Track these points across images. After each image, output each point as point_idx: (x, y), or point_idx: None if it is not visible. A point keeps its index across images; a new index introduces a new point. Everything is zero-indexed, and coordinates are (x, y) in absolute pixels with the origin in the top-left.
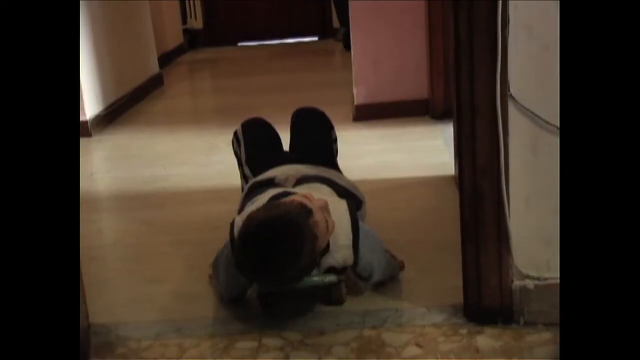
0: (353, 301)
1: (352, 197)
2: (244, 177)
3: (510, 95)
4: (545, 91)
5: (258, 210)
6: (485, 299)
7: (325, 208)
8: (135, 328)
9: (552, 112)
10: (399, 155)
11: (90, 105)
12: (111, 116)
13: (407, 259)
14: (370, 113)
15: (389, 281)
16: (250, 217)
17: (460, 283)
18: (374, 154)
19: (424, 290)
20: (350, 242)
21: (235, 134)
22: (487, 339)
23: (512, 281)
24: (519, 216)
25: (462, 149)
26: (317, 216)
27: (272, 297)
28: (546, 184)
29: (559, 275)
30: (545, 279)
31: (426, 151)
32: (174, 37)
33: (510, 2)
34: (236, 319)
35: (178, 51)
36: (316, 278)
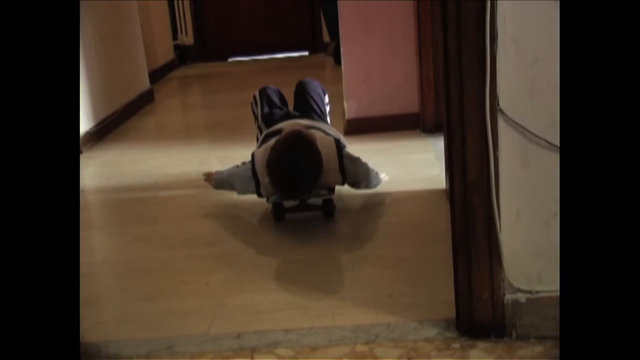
0: (344, 316)
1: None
2: (259, 130)
3: (500, 109)
4: (534, 104)
5: (280, 141)
6: (478, 313)
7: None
8: (127, 346)
9: (541, 125)
10: (390, 169)
11: (80, 122)
12: (102, 132)
13: (399, 272)
14: (361, 127)
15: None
16: (276, 146)
17: (452, 297)
18: None
19: (416, 304)
20: (338, 166)
21: (254, 97)
22: (479, 353)
23: (503, 295)
24: (510, 229)
25: (453, 163)
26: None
27: (282, 211)
28: (537, 196)
29: (550, 289)
30: (537, 292)
31: (417, 165)
32: (165, 53)
33: (498, 16)
34: (228, 336)
35: (169, 67)
36: (315, 192)
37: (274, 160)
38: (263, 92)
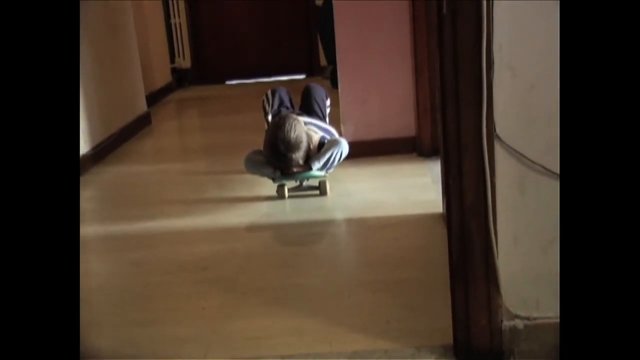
0: (341, 342)
1: (329, 134)
2: (268, 123)
3: (497, 135)
4: (531, 130)
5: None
6: (475, 340)
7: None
8: None
9: (538, 151)
10: (388, 193)
11: None
12: (99, 155)
13: (396, 298)
14: (358, 151)
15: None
16: (268, 129)
17: (450, 322)
18: (363, 192)
19: (414, 330)
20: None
21: (266, 95)
22: None
23: (501, 321)
24: (507, 255)
25: (450, 189)
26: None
27: (284, 191)
28: (534, 222)
29: (548, 315)
30: (535, 318)
31: (414, 189)
32: (162, 76)
33: (494, 43)
34: None
35: (166, 90)
36: (311, 173)
37: (267, 137)
38: (275, 92)
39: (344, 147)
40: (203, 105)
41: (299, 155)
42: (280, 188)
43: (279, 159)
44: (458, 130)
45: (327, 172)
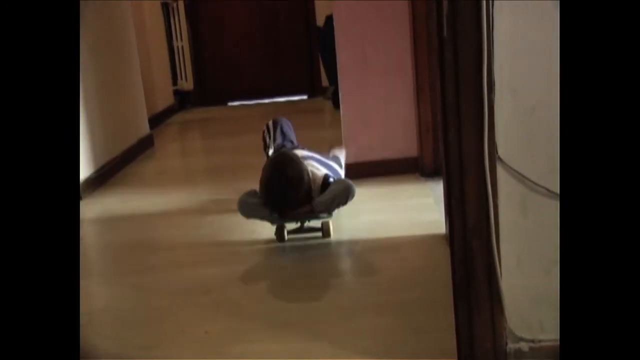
0: None
1: (332, 171)
2: (268, 157)
3: (499, 156)
4: (532, 152)
5: (268, 160)
6: None
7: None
8: None
9: (539, 172)
10: (391, 214)
11: (80, 168)
12: (102, 178)
13: (400, 320)
14: (360, 172)
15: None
16: (265, 166)
17: (454, 345)
18: (366, 213)
19: (418, 352)
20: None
21: (267, 126)
22: None
23: (506, 343)
24: (510, 276)
25: (452, 210)
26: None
27: (283, 233)
28: (536, 243)
29: (552, 337)
30: (540, 340)
31: (417, 210)
32: (165, 98)
33: (495, 65)
34: None
35: (168, 112)
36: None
37: (264, 176)
38: (277, 124)
39: (352, 191)
40: (205, 127)
41: (299, 196)
42: (279, 230)
43: (276, 200)
44: (460, 152)
45: (331, 215)
